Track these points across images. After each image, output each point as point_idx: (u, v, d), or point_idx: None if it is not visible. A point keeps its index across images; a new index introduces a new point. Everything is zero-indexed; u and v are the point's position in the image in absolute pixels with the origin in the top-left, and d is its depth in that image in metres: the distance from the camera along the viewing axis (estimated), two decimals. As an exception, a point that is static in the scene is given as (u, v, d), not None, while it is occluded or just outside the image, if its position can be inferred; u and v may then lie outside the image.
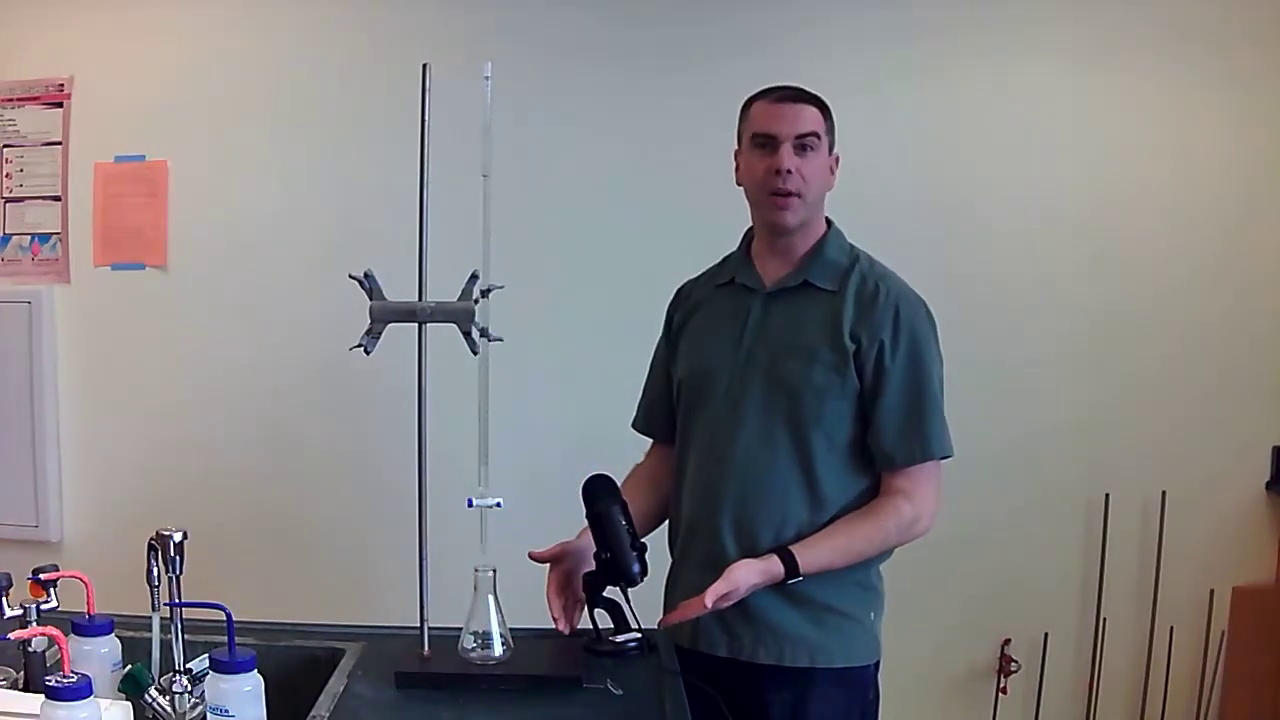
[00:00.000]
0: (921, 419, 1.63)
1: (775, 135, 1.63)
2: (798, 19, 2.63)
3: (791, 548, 1.58)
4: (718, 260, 1.83)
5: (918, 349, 1.64)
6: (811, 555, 1.58)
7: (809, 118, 1.64)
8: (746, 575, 1.54)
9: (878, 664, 1.73)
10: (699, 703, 1.46)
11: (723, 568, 1.61)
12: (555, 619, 1.62)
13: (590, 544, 1.62)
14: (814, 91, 1.68)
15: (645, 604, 1.63)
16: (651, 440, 1.88)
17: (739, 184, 1.71)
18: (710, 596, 1.50)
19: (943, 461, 1.66)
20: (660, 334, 1.87)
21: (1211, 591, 2.71)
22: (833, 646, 1.66)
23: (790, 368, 1.64)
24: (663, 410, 1.83)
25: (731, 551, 1.65)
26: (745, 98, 1.71)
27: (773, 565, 1.56)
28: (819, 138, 1.64)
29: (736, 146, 1.72)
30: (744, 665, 1.66)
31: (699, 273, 1.85)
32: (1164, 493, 2.68)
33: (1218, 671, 2.73)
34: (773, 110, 1.65)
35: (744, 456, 1.66)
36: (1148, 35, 2.63)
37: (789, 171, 1.61)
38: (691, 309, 1.80)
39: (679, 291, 1.85)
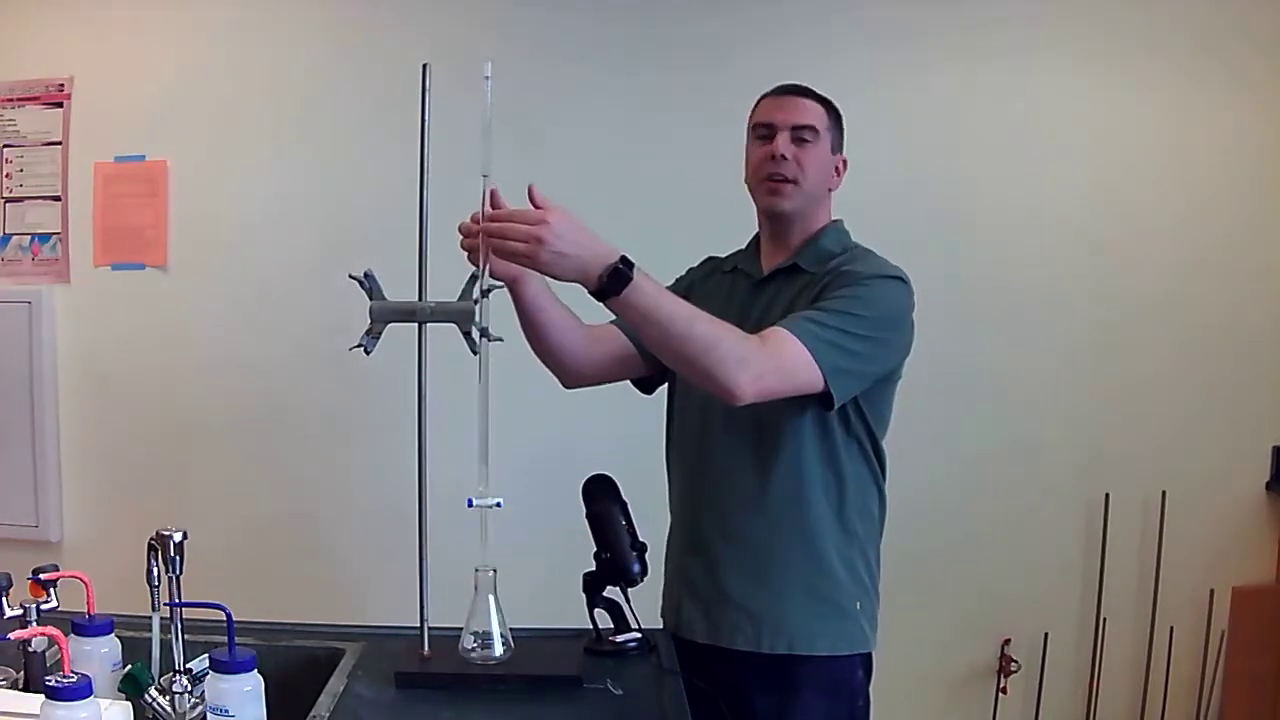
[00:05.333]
0: (817, 317, 1.50)
1: (773, 124, 1.66)
2: (798, 17, 2.63)
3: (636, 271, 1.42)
4: (721, 256, 1.83)
5: (857, 286, 1.55)
6: (650, 284, 1.43)
7: (807, 110, 1.66)
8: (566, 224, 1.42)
9: (868, 657, 1.69)
10: (698, 702, 1.46)
11: (703, 550, 1.63)
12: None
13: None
14: (824, 94, 1.69)
15: (645, 604, 1.64)
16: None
17: (746, 180, 1.72)
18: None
19: (808, 364, 1.47)
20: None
21: (1211, 591, 2.71)
22: (812, 633, 1.63)
23: None
24: None
25: (709, 531, 1.66)
26: (745, 96, 1.72)
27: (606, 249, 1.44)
28: (817, 131, 1.65)
29: (746, 142, 1.72)
30: (724, 651, 1.65)
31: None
32: (1164, 493, 2.68)
33: (1218, 671, 2.73)
34: (774, 102, 1.69)
35: (716, 438, 1.64)
36: (1150, 36, 2.64)
37: (783, 157, 1.63)
38: (694, 285, 1.80)
39: (705, 260, 1.84)
